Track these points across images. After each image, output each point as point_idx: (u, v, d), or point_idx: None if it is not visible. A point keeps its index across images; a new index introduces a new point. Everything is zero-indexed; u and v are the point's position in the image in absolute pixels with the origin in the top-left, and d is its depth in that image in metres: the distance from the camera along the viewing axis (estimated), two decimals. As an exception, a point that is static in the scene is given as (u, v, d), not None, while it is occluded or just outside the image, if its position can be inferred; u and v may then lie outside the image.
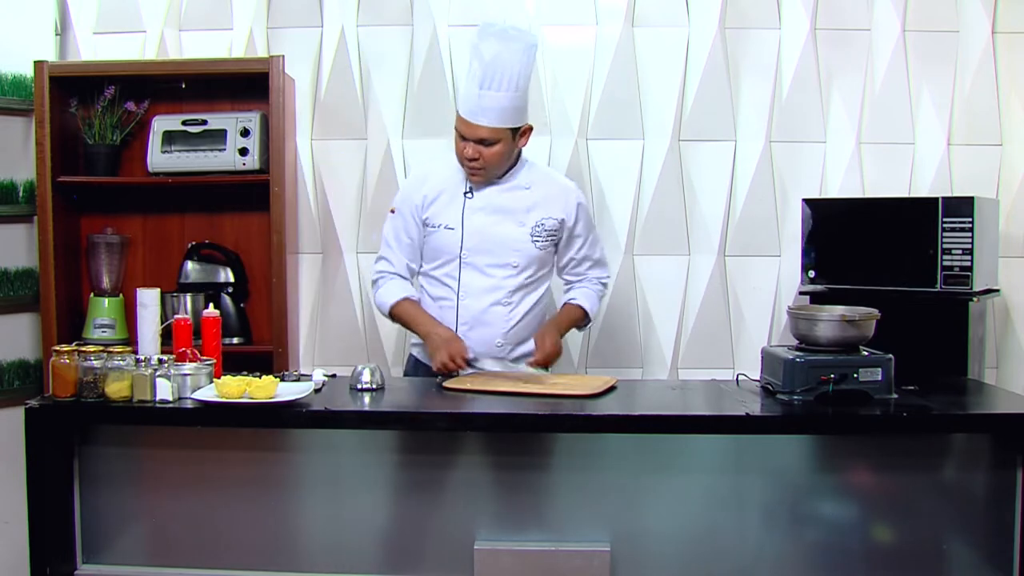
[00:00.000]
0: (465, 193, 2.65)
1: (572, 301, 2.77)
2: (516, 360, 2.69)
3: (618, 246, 3.38)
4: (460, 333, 2.61)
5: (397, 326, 3.42)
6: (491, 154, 2.57)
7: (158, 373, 2.17)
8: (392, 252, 2.72)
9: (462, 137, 2.57)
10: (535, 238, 2.65)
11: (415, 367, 2.79)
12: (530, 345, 2.66)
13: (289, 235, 3.21)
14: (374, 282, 2.76)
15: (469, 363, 2.52)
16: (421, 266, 2.73)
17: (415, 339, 2.76)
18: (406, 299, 2.66)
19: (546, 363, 2.60)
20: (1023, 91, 3.33)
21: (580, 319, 2.77)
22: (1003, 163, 3.34)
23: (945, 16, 3.34)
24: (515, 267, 2.65)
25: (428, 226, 2.67)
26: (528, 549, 2.16)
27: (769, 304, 3.39)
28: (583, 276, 2.80)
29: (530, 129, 2.65)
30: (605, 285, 2.86)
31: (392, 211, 2.75)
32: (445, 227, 2.64)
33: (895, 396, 2.21)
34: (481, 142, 2.55)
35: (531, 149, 3.36)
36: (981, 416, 2.25)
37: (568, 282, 2.82)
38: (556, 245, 2.72)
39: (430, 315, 2.64)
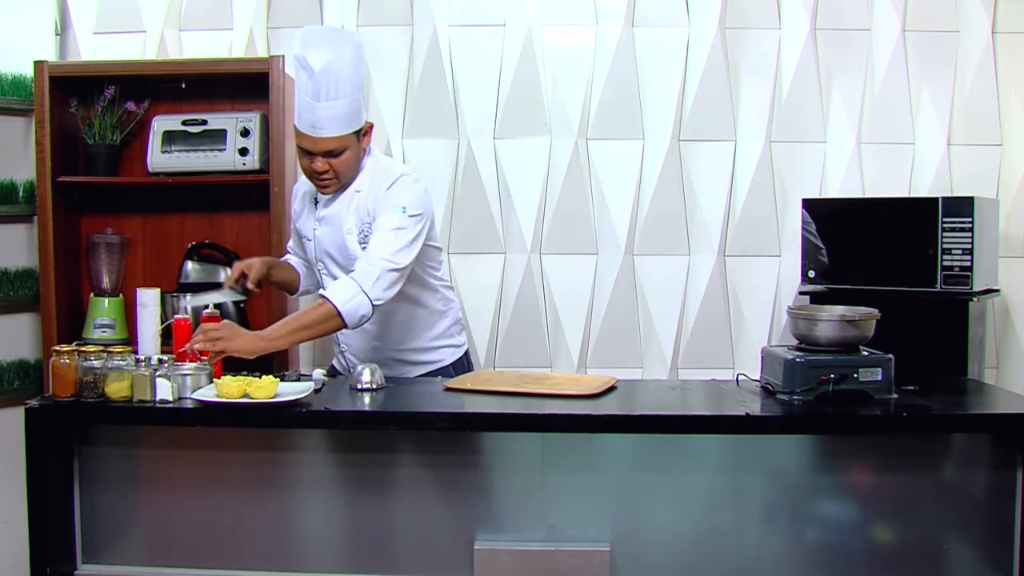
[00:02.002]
0: (313, 201, 2.67)
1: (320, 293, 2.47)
2: (408, 363, 2.68)
3: (618, 246, 3.38)
4: (342, 342, 2.71)
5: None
6: (341, 163, 2.50)
7: (158, 373, 2.17)
8: (293, 252, 2.88)
9: (307, 153, 2.49)
10: (364, 243, 2.52)
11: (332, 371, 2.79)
12: (417, 343, 2.68)
13: (289, 235, 3.21)
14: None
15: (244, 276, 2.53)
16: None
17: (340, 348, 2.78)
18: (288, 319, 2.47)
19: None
20: (1023, 91, 3.33)
21: (320, 319, 2.38)
22: (1003, 163, 3.34)
23: (945, 16, 3.34)
24: None
25: (302, 238, 2.73)
26: (528, 549, 2.16)
27: (769, 304, 3.39)
28: (358, 260, 2.49)
29: (371, 127, 2.60)
30: (378, 263, 2.41)
31: None
32: (305, 237, 2.70)
33: (895, 396, 2.21)
34: (329, 153, 2.48)
35: (532, 149, 3.39)
36: (981, 416, 2.24)
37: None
38: None
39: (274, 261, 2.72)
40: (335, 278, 2.56)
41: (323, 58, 2.42)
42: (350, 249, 2.55)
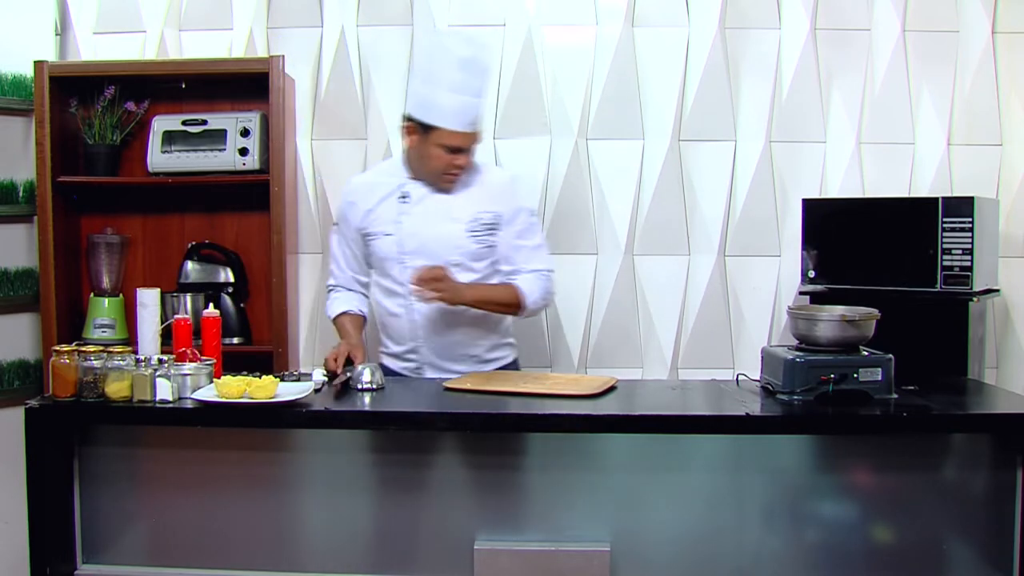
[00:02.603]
0: (400, 198, 2.65)
1: (511, 279, 2.67)
2: (481, 360, 2.71)
3: (618, 246, 3.38)
4: (421, 338, 2.66)
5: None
6: (470, 159, 2.61)
7: (158, 373, 2.17)
8: (336, 266, 2.79)
9: (453, 149, 2.55)
10: (472, 233, 2.62)
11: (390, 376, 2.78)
12: (490, 341, 2.72)
13: (289, 235, 3.21)
14: (327, 291, 2.83)
15: (349, 362, 2.51)
16: (375, 277, 2.75)
17: (383, 348, 2.79)
18: (344, 314, 2.72)
19: (421, 282, 2.49)
20: (1023, 91, 3.33)
21: (509, 299, 2.63)
22: (1003, 163, 3.34)
23: (945, 16, 3.34)
24: (456, 265, 2.59)
25: (369, 235, 2.69)
26: (528, 549, 2.16)
27: (769, 304, 3.39)
28: (523, 265, 2.68)
29: None
30: (548, 274, 2.71)
31: (335, 224, 2.81)
32: (384, 234, 2.65)
33: (895, 396, 2.21)
34: (470, 149, 2.58)
35: (532, 149, 3.39)
36: (981, 416, 2.25)
37: (503, 273, 2.70)
38: (492, 238, 2.66)
39: (350, 330, 2.68)
40: (415, 269, 2.55)
41: (481, 58, 2.58)
42: (452, 237, 2.61)
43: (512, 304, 2.64)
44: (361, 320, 2.76)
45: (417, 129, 2.57)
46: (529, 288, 2.65)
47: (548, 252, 2.77)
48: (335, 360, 2.50)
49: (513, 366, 2.80)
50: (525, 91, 3.38)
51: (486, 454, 2.22)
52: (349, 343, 2.60)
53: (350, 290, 2.78)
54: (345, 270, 2.77)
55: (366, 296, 2.81)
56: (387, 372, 2.69)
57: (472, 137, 2.57)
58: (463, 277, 2.60)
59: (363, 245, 2.72)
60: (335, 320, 2.75)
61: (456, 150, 2.55)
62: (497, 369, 2.73)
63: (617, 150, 3.38)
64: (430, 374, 2.67)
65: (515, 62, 3.37)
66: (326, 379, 2.41)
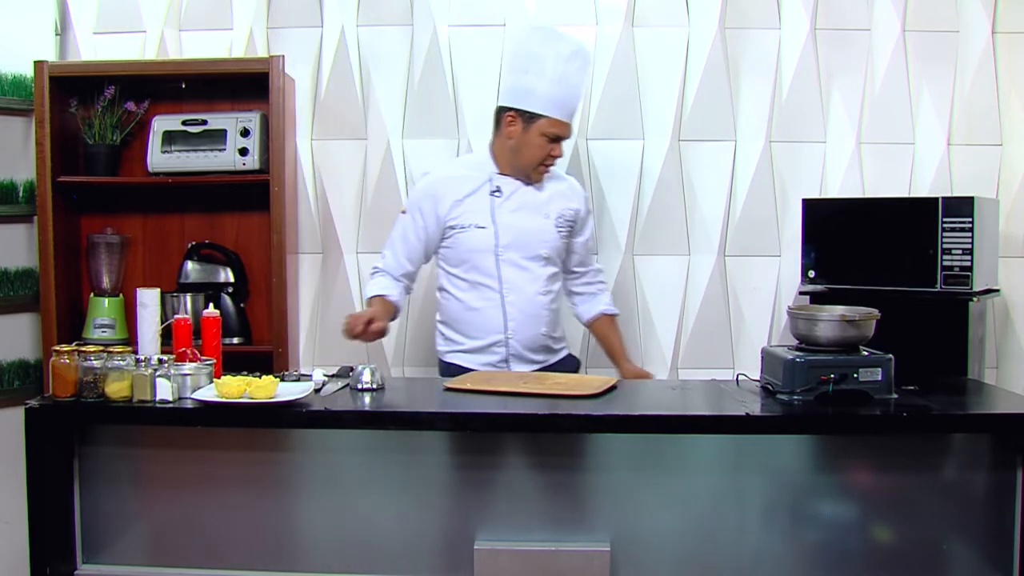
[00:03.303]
0: (493, 192, 2.71)
1: (606, 312, 2.93)
2: (552, 351, 2.81)
3: (618, 246, 3.38)
4: (511, 329, 2.71)
5: (396, 325, 3.44)
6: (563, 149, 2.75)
7: (158, 373, 2.17)
8: (393, 251, 2.79)
9: (556, 139, 2.67)
10: (559, 228, 2.77)
11: (447, 369, 2.81)
12: (558, 332, 2.85)
13: (289, 235, 3.21)
14: (371, 272, 2.85)
15: (370, 326, 2.53)
16: (451, 270, 2.76)
17: (445, 346, 2.81)
18: (380, 296, 2.73)
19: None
20: (1023, 91, 3.33)
21: (618, 331, 2.97)
22: (1003, 163, 3.34)
23: (945, 16, 3.34)
24: (546, 258, 2.74)
25: (455, 228, 2.70)
26: (528, 549, 2.16)
27: (769, 304, 3.39)
28: (589, 268, 2.93)
29: None
30: (604, 279, 3.02)
31: (403, 212, 2.80)
32: (476, 226, 2.69)
33: (895, 396, 2.21)
34: (565, 140, 2.71)
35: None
36: (981, 416, 2.24)
37: (577, 274, 2.90)
38: (569, 235, 2.82)
39: (379, 309, 2.68)
40: (511, 264, 2.70)
41: (584, 52, 2.73)
42: (542, 231, 2.73)
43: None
44: (394, 309, 2.76)
45: (519, 119, 2.66)
46: (614, 307, 2.98)
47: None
48: (357, 319, 2.53)
49: (572, 358, 2.93)
50: (525, 91, 3.38)
51: (486, 454, 2.22)
52: (375, 312, 2.60)
53: (393, 277, 2.78)
54: (400, 257, 2.77)
55: (407, 290, 2.83)
56: (456, 370, 2.73)
57: (569, 128, 2.69)
58: (547, 271, 2.76)
59: (440, 237, 2.74)
60: (372, 299, 2.74)
61: (556, 139, 2.66)
62: (559, 361, 2.85)
63: (617, 150, 3.39)
64: (515, 366, 2.73)
65: (515, 62, 3.37)
66: (326, 379, 2.41)
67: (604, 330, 2.91)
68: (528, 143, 2.67)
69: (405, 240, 2.76)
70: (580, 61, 2.70)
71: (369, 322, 2.53)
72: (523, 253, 2.71)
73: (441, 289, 2.83)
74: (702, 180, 3.39)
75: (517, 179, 2.74)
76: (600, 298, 2.94)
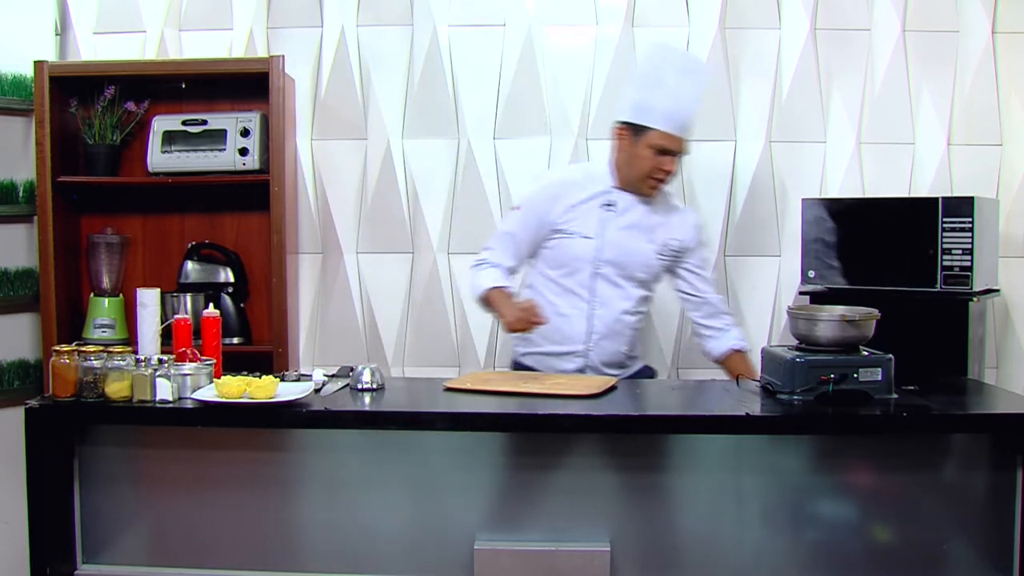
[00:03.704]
0: (605, 206, 2.69)
1: (739, 347, 2.80)
2: (625, 366, 2.79)
3: (618, 246, 3.38)
4: (593, 341, 2.70)
5: (397, 326, 3.44)
6: (676, 166, 2.67)
7: (158, 373, 2.17)
8: (502, 245, 2.73)
9: (664, 152, 2.61)
10: (661, 256, 2.73)
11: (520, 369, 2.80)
12: (636, 349, 2.83)
13: (289, 235, 3.21)
14: (473, 265, 2.76)
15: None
16: (548, 274, 2.74)
17: (521, 347, 2.81)
18: (501, 288, 2.66)
19: None
20: (1023, 91, 3.33)
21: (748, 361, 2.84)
22: (1003, 163, 3.34)
23: (945, 16, 3.34)
24: (641, 282, 2.73)
25: (562, 232, 2.68)
26: (528, 549, 2.16)
27: (769, 304, 3.39)
28: (705, 297, 2.81)
29: None
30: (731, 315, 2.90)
31: (516, 208, 2.77)
32: (582, 236, 2.67)
33: (895, 396, 2.21)
34: (680, 155, 2.65)
35: (532, 149, 3.39)
36: (981, 416, 2.24)
37: (691, 300, 2.82)
38: (673, 264, 2.79)
39: (510, 300, 2.65)
40: (606, 279, 2.69)
41: (700, 68, 2.70)
42: (644, 256, 2.71)
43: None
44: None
45: (628, 132, 2.64)
46: (744, 342, 2.85)
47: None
48: (527, 309, 2.52)
49: (647, 368, 2.92)
50: (525, 91, 3.38)
51: (487, 454, 2.22)
52: (522, 303, 2.59)
53: (504, 274, 2.72)
54: (508, 252, 2.72)
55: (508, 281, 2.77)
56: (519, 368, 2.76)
57: (680, 142, 2.62)
58: (640, 293, 2.74)
59: (544, 238, 2.71)
60: (492, 291, 2.65)
61: (664, 152, 2.61)
62: (634, 373, 2.81)
63: (617, 150, 3.38)
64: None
65: (515, 62, 3.37)
66: (326, 379, 2.41)
67: (736, 367, 2.73)
68: (637, 156, 2.63)
69: (514, 238, 2.72)
70: (694, 75, 2.66)
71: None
72: (620, 271, 2.69)
73: (531, 287, 2.78)
74: (702, 180, 3.39)
75: (632, 195, 2.69)
76: (730, 334, 2.81)
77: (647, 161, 2.63)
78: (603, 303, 2.69)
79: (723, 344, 2.80)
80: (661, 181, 2.66)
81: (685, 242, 2.77)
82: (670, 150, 2.61)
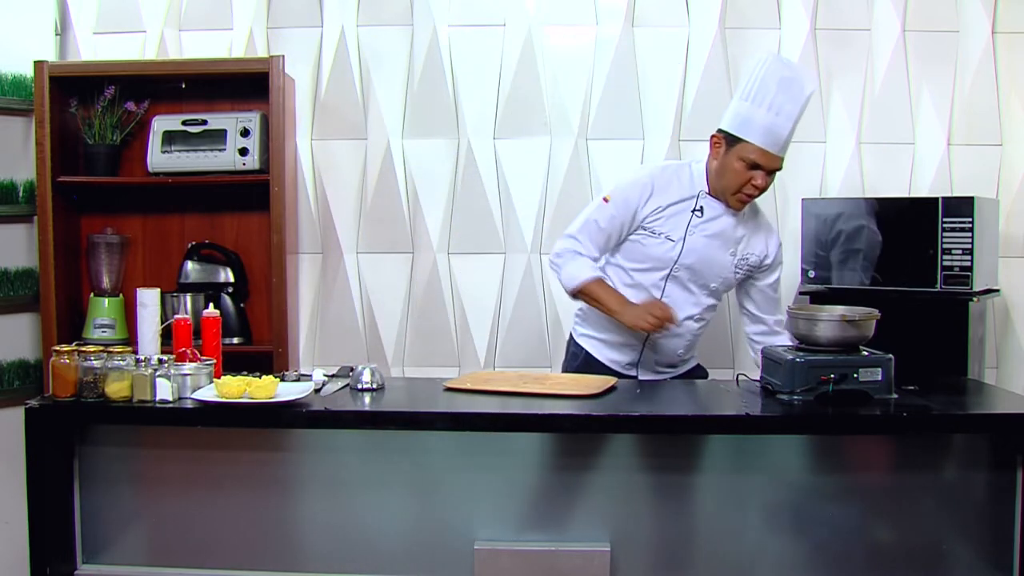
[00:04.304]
0: (695, 211, 2.64)
1: (772, 331, 2.76)
2: (677, 367, 2.78)
3: (618, 246, 3.38)
4: (652, 340, 2.68)
5: (397, 326, 3.44)
6: (771, 181, 2.61)
7: (158, 373, 2.17)
8: (589, 235, 2.66)
9: (754, 167, 2.55)
10: (737, 269, 2.69)
11: (586, 363, 2.77)
12: (692, 353, 2.81)
13: (289, 235, 3.21)
14: (558, 255, 2.68)
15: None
16: (623, 266, 2.71)
17: (585, 328, 2.78)
18: (598, 279, 2.63)
19: None
20: (1023, 91, 3.33)
21: None
22: (1003, 163, 3.34)
23: (945, 16, 3.34)
24: (714, 290, 2.70)
25: (646, 231, 2.65)
26: (528, 549, 2.16)
27: (769, 304, 3.39)
28: (769, 318, 2.76)
29: None
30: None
31: (606, 200, 2.66)
32: (666, 237, 2.63)
33: (895, 396, 2.21)
34: (772, 171, 2.59)
35: (532, 149, 3.39)
36: (981, 416, 2.24)
37: (754, 318, 2.78)
38: (747, 278, 2.74)
39: (617, 293, 2.63)
40: (679, 283, 2.65)
41: (800, 81, 2.58)
42: (721, 267, 2.66)
43: None
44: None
45: (723, 141, 2.59)
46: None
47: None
48: (663, 309, 2.53)
49: (700, 368, 2.89)
50: (525, 91, 3.38)
51: (486, 454, 2.22)
52: (648, 301, 2.59)
53: (594, 265, 2.67)
54: (595, 243, 2.66)
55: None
56: (583, 354, 2.75)
57: (772, 158, 2.55)
58: (709, 301, 2.71)
59: (629, 233, 2.67)
60: (592, 283, 2.60)
61: (755, 166, 2.55)
62: (688, 371, 2.81)
63: (617, 150, 3.38)
64: (642, 374, 2.72)
65: (515, 62, 3.37)
66: (326, 379, 2.41)
67: None
68: (728, 166, 2.57)
69: (601, 229, 2.65)
70: (798, 91, 2.56)
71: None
72: (695, 278, 2.65)
73: (601, 270, 2.71)
74: (702, 180, 3.38)
75: (721, 204, 2.65)
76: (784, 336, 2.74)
77: (736, 174, 2.57)
78: (671, 304, 2.62)
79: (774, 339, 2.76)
80: (750, 196, 2.60)
81: (764, 259, 2.71)
82: (762, 166, 2.55)
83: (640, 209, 2.63)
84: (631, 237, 2.67)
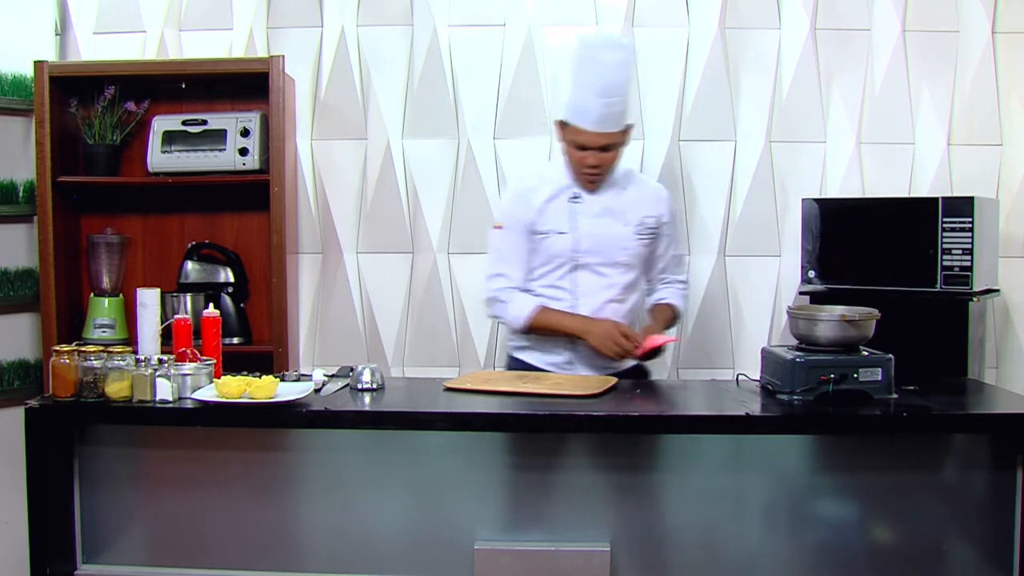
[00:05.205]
0: (572, 199, 2.69)
1: (662, 300, 2.81)
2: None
3: (618, 246, 3.38)
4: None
5: (397, 326, 3.44)
6: (611, 158, 2.64)
7: (158, 373, 2.17)
8: (509, 267, 2.71)
9: (582, 147, 2.60)
10: (640, 236, 2.72)
11: (513, 365, 2.79)
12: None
13: (289, 235, 3.21)
14: (493, 300, 2.72)
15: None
16: (532, 273, 2.73)
17: (516, 341, 2.78)
18: (542, 307, 2.66)
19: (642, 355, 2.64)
20: (1023, 91, 3.33)
21: (671, 318, 2.81)
22: (1003, 163, 3.34)
23: (945, 16, 3.34)
24: (625, 265, 2.71)
25: (539, 233, 2.69)
26: (528, 549, 2.16)
27: (769, 304, 3.39)
28: (666, 274, 2.83)
29: (631, 126, 2.69)
30: (685, 283, 2.89)
31: (498, 227, 2.74)
32: (556, 232, 2.67)
33: (895, 396, 2.21)
34: (604, 148, 2.61)
35: (532, 149, 3.39)
36: (981, 416, 2.25)
37: (650, 282, 2.85)
38: (653, 242, 2.77)
39: (572, 313, 2.65)
40: (587, 269, 2.68)
41: (611, 58, 2.59)
42: (622, 238, 2.69)
43: (674, 319, 2.83)
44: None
45: (559, 128, 2.67)
46: (678, 301, 2.83)
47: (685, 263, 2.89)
48: (624, 341, 2.54)
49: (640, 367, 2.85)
50: (525, 91, 3.38)
51: (487, 454, 2.22)
52: (608, 324, 2.59)
53: (523, 290, 2.71)
54: (517, 270, 2.70)
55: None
56: (522, 366, 2.75)
57: (594, 136, 2.57)
58: (625, 278, 2.72)
59: (529, 246, 2.70)
60: (537, 315, 2.64)
61: (583, 147, 2.60)
62: (632, 368, 2.78)
63: (617, 150, 3.38)
64: (581, 370, 2.71)
65: (515, 62, 3.37)
66: (326, 379, 2.41)
67: (653, 313, 2.78)
68: (566, 152, 2.66)
69: (512, 254, 2.70)
70: (601, 66, 2.56)
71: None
72: (601, 259, 2.68)
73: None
74: (702, 180, 3.39)
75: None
76: (667, 290, 2.82)
77: (571, 156, 2.65)
78: (585, 294, 2.69)
79: (655, 298, 2.83)
80: (591, 176, 2.65)
81: (661, 216, 2.76)
82: (588, 145, 2.60)
83: (527, 216, 2.69)
84: (532, 247, 2.71)
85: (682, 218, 3.33)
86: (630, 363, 2.77)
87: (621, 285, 2.71)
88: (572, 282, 2.69)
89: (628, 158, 3.36)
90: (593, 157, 2.61)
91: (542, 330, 2.67)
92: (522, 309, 2.66)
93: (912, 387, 2.33)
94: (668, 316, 2.78)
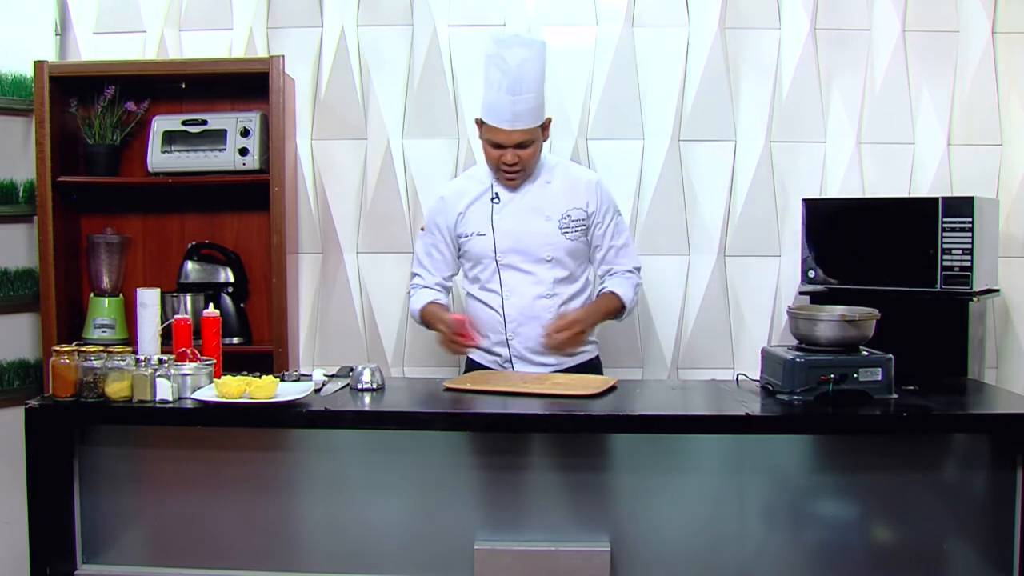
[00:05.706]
0: (492, 199, 2.72)
1: (604, 290, 2.79)
2: (571, 355, 2.76)
3: (618, 246, 3.38)
4: (510, 330, 2.72)
5: (397, 326, 3.44)
6: (529, 154, 2.66)
7: (158, 373, 2.17)
8: (423, 269, 2.83)
9: (498, 146, 2.64)
10: (564, 230, 2.71)
11: (469, 365, 2.86)
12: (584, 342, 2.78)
13: (289, 235, 3.21)
14: (409, 293, 2.88)
15: (468, 335, 2.59)
16: (468, 274, 2.82)
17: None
18: (431, 303, 2.75)
19: (556, 347, 2.62)
20: (1023, 91, 3.33)
21: (615, 308, 2.76)
22: (1003, 163, 3.34)
23: (945, 16, 3.34)
24: (550, 260, 2.71)
25: (463, 236, 2.75)
26: (528, 549, 2.16)
27: (769, 304, 3.39)
28: (611, 265, 2.81)
29: (550, 120, 2.72)
30: (635, 272, 2.83)
31: (422, 229, 2.86)
32: (477, 234, 2.72)
33: (895, 396, 2.21)
34: (520, 146, 2.63)
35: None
36: (981, 416, 2.25)
37: (601, 273, 2.86)
38: (584, 234, 2.76)
39: (446, 314, 2.70)
40: (512, 268, 2.70)
41: (518, 56, 2.59)
42: (544, 235, 2.69)
43: (616, 309, 2.77)
44: (446, 309, 2.80)
45: (478, 126, 2.70)
46: (623, 290, 2.77)
47: (635, 250, 2.87)
48: (461, 330, 2.58)
49: (595, 362, 2.84)
50: (525, 91, 3.38)
51: (486, 454, 2.22)
52: (457, 319, 2.64)
53: (432, 289, 2.81)
54: (433, 272, 2.82)
55: (447, 295, 2.86)
56: (472, 365, 2.79)
57: (507, 134, 2.61)
58: (558, 273, 2.72)
59: (456, 246, 2.79)
60: (423, 309, 2.75)
61: (499, 145, 2.64)
62: (581, 364, 2.77)
63: (617, 150, 3.39)
64: (519, 367, 2.73)
65: (515, 62, 3.37)
66: (326, 379, 2.41)
67: (596, 302, 2.76)
68: (484, 151, 2.71)
69: (431, 255, 2.81)
70: (506, 65, 2.57)
71: (458, 331, 2.58)
72: (523, 257, 2.71)
73: (465, 290, 2.89)
74: (702, 180, 3.39)
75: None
76: (612, 280, 2.78)
77: (487, 155, 2.69)
78: (512, 292, 2.71)
79: (603, 288, 2.80)
80: (508, 173, 2.67)
81: (588, 210, 2.73)
82: (502, 143, 2.62)
83: (448, 221, 2.76)
84: (459, 250, 2.79)
85: (631, 209, 3.32)
86: (586, 357, 2.79)
87: (550, 281, 2.72)
88: (499, 282, 2.72)
89: (628, 158, 3.38)
90: (510, 155, 2.63)
91: (428, 325, 2.75)
92: (415, 303, 2.79)
93: (912, 387, 2.33)
94: (608, 306, 2.74)
